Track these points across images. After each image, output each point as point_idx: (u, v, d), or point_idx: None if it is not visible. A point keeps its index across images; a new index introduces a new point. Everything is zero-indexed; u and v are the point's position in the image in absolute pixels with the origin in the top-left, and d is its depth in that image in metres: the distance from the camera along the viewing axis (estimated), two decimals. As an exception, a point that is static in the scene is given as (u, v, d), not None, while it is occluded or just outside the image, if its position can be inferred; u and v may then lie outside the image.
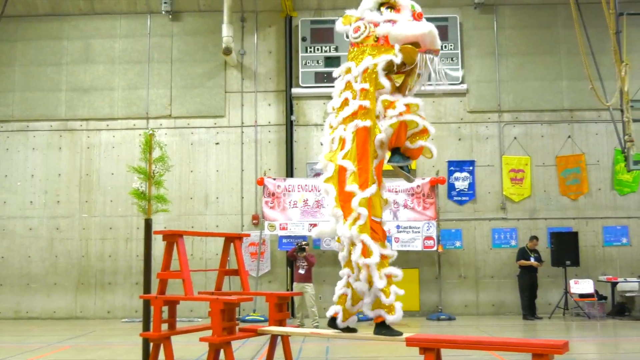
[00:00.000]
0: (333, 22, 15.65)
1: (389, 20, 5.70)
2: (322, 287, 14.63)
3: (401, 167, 6.09)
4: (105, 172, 15.60)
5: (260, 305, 13.98)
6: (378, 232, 5.72)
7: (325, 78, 15.48)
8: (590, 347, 10.52)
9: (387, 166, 6.16)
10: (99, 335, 12.10)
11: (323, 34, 15.70)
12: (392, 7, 5.86)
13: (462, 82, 15.50)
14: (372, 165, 5.87)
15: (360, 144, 5.73)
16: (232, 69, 15.85)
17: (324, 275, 14.80)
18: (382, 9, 5.92)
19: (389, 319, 5.50)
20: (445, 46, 15.45)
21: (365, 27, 5.96)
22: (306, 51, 15.67)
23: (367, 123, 5.69)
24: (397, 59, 5.61)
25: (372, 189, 5.79)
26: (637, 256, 14.98)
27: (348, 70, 6.09)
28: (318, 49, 15.66)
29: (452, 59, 15.45)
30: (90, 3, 16.01)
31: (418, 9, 5.90)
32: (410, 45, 5.59)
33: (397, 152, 5.90)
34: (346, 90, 5.98)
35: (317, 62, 15.62)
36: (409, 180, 6.38)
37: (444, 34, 15.47)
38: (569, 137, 15.39)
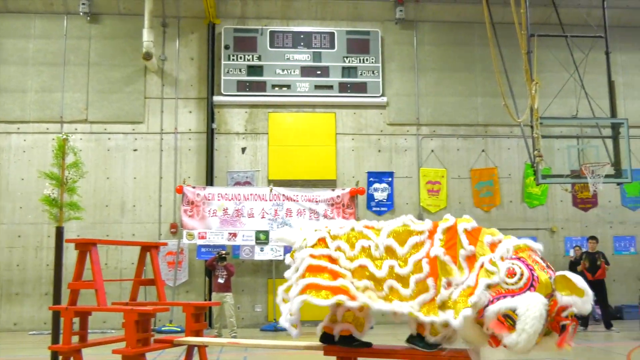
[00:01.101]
0: (257, 31, 15.80)
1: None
2: (241, 297, 14.52)
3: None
4: (14, 177, 14.91)
5: (177, 316, 13.72)
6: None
7: (248, 87, 15.47)
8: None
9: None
10: (4, 349, 11.51)
11: (246, 43, 15.67)
12: None
13: (382, 95, 15.81)
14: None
15: None
16: (153, 74, 15.55)
17: (243, 285, 14.70)
18: None
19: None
20: (367, 59, 15.76)
21: (522, 274, 4.29)
22: (229, 59, 15.57)
23: None
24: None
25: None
26: (545, 266, 15.64)
27: None
28: (241, 58, 15.60)
29: (373, 72, 15.74)
30: (2, 1, 15.33)
31: None
32: None
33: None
34: None
35: (240, 71, 15.55)
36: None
37: (365, 47, 15.80)
38: (483, 151, 15.97)
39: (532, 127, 12.58)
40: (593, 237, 14.04)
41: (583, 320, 13.37)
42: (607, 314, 13.39)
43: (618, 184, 14.52)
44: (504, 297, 4.16)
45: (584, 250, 14.32)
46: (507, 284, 4.20)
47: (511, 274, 4.22)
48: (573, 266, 14.69)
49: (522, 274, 4.19)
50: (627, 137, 13.44)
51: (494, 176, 15.81)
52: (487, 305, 4.17)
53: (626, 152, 13.40)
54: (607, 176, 12.93)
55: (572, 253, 15.24)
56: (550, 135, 14.14)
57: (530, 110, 12.51)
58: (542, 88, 13.03)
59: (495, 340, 4.21)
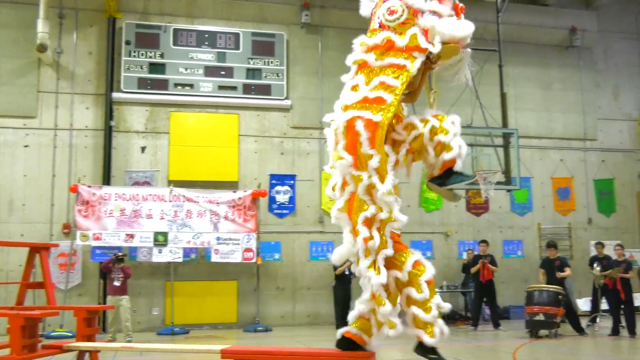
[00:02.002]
0: (160, 27, 15.44)
1: (434, 12, 4.51)
2: (138, 300, 14.12)
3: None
4: None
5: (69, 320, 13.14)
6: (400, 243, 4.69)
7: (149, 84, 15.09)
8: (397, 354, 11.19)
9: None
10: None
11: (149, 39, 15.28)
12: None
13: (286, 98, 15.88)
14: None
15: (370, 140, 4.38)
16: (47, 67, 14.84)
17: (140, 288, 14.31)
18: None
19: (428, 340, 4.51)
20: (272, 62, 15.78)
21: (404, 11, 4.57)
22: (130, 55, 15.12)
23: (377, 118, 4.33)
24: (435, 49, 4.42)
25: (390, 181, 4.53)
26: (439, 268, 16.18)
27: (362, 63, 4.88)
28: (142, 54, 15.19)
29: (277, 75, 15.79)
30: None
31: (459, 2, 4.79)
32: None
33: (451, 172, 4.80)
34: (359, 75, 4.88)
35: (141, 68, 15.14)
36: (456, 198, 5.13)
37: (270, 49, 15.81)
38: (383, 156, 16.35)
39: (430, 134, 13.01)
40: (484, 241, 14.71)
41: (473, 321, 13.98)
42: (496, 314, 14.06)
43: (508, 190, 15.30)
44: None
45: (475, 253, 14.98)
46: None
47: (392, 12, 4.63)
48: (466, 269, 15.36)
49: (403, 11, 4.55)
50: (517, 147, 14.20)
51: (393, 181, 16.22)
52: None
53: (515, 161, 14.15)
54: (498, 183, 13.59)
55: (465, 256, 15.91)
56: (446, 142, 14.67)
57: (428, 118, 12.93)
58: (440, 97, 13.54)
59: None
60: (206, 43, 15.58)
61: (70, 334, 12.54)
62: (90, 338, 6.48)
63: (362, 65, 4.86)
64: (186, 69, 15.36)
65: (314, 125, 16.07)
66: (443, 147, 4.59)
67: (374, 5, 4.95)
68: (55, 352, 6.25)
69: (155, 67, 15.19)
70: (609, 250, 14.75)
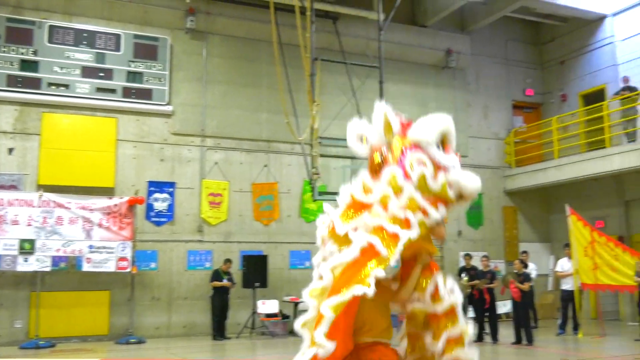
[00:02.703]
0: (34, 22, 14.59)
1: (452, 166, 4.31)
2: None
3: None
4: None
5: None
6: None
7: (20, 82, 14.22)
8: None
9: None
10: None
11: (21, 35, 14.39)
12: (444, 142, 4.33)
13: (168, 104, 15.52)
14: None
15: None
16: None
17: (2, 299, 13.40)
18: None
19: None
20: (154, 66, 15.39)
21: (425, 165, 4.11)
22: (-1, 50, 14.19)
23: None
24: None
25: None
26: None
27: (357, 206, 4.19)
28: (14, 50, 14.28)
29: (159, 80, 15.41)
30: None
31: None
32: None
33: None
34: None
35: (12, 64, 14.23)
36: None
37: (153, 53, 15.42)
38: (265, 166, 16.40)
39: (311, 145, 13.23)
40: None
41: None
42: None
43: (385, 203, 15.78)
44: None
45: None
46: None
47: None
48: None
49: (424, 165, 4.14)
50: (394, 161, 14.66)
51: (275, 191, 16.30)
52: None
53: (392, 174, 14.61)
54: (375, 195, 13.99)
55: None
56: (327, 154, 14.96)
57: (310, 130, 13.14)
58: (322, 109, 13.78)
59: None
60: (84, 42, 14.91)
61: None
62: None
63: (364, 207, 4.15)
64: (62, 68, 14.62)
65: (196, 132, 15.81)
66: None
67: (383, 142, 4.43)
68: None
69: (28, 65, 14.33)
70: (476, 261, 15.61)
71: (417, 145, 4.20)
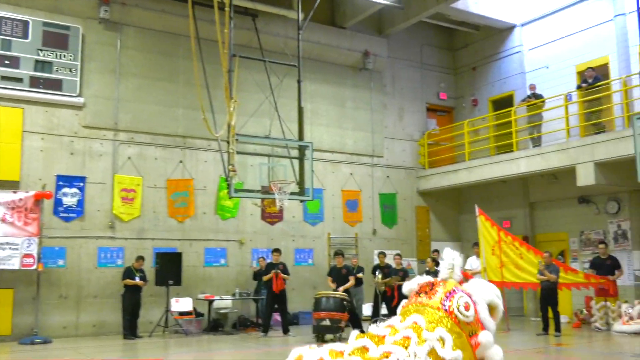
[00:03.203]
0: None
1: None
2: None
3: None
4: None
5: None
6: None
7: None
8: (184, 362, 11.05)
9: None
10: None
11: None
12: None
13: (79, 96, 14.98)
14: None
15: None
16: None
17: None
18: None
19: None
20: (64, 56, 14.81)
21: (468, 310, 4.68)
22: None
23: None
24: None
25: None
26: (232, 276, 16.39)
27: None
28: None
29: (70, 70, 14.84)
30: None
31: None
32: None
33: None
34: None
35: None
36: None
37: (64, 42, 14.84)
38: (181, 162, 16.13)
39: (228, 142, 13.12)
40: (277, 250, 15.11)
41: (264, 327, 14.26)
42: (285, 320, 14.46)
43: (301, 201, 15.90)
44: None
45: (268, 261, 15.31)
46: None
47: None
48: (257, 276, 15.63)
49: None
50: (311, 159, 14.83)
51: (190, 187, 16.06)
52: None
53: (309, 173, 14.76)
54: (292, 193, 14.06)
55: (254, 264, 16.20)
56: (244, 151, 14.89)
57: (227, 127, 13.03)
58: (240, 106, 13.68)
59: None
60: (-11, 28, 14.17)
61: None
62: None
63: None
64: (-37, 54, 13.83)
65: (108, 126, 15.35)
66: None
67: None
68: None
69: None
70: (390, 259, 15.97)
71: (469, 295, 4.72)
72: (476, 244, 15.39)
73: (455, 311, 4.52)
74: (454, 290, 4.66)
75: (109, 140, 15.36)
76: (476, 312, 4.63)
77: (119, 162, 15.38)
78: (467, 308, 4.57)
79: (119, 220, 15.14)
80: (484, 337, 4.61)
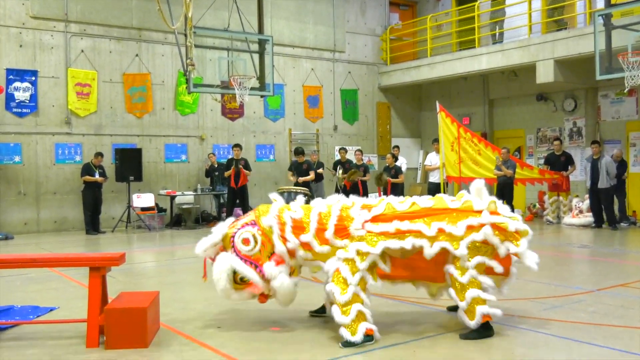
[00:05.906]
0: None
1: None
2: None
3: None
4: None
5: None
6: None
7: None
8: (148, 256, 11.22)
9: None
10: None
11: None
12: None
13: (25, -17, 14.17)
14: None
15: None
16: None
17: None
18: None
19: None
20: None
21: None
22: None
23: None
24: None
25: None
26: (194, 172, 16.39)
27: None
28: None
29: (14, -45, 13.94)
30: None
31: None
32: None
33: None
34: None
35: None
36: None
37: None
38: (137, 55, 15.63)
39: (185, 35, 12.71)
40: (237, 145, 15.06)
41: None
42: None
43: (261, 96, 15.73)
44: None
45: (229, 157, 15.28)
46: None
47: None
48: (209, 173, 15.70)
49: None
50: (272, 54, 14.54)
51: (147, 82, 15.67)
52: None
53: (270, 68, 14.51)
54: (252, 89, 13.86)
55: (209, 161, 16.03)
56: (203, 45, 14.47)
57: (184, 19, 12.56)
58: (198, -2, 13.17)
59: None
60: None
61: None
62: None
63: None
64: None
65: (59, 17, 14.65)
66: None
67: None
68: None
69: None
70: (351, 155, 16.12)
71: None
72: (436, 140, 15.58)
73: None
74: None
75: (59, 32, 14.70)
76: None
77: (72, 55, 14.81)
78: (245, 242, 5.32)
79: (75, 115, 14.79)
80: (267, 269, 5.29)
